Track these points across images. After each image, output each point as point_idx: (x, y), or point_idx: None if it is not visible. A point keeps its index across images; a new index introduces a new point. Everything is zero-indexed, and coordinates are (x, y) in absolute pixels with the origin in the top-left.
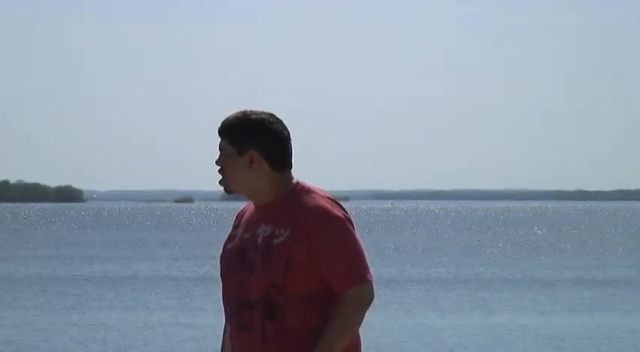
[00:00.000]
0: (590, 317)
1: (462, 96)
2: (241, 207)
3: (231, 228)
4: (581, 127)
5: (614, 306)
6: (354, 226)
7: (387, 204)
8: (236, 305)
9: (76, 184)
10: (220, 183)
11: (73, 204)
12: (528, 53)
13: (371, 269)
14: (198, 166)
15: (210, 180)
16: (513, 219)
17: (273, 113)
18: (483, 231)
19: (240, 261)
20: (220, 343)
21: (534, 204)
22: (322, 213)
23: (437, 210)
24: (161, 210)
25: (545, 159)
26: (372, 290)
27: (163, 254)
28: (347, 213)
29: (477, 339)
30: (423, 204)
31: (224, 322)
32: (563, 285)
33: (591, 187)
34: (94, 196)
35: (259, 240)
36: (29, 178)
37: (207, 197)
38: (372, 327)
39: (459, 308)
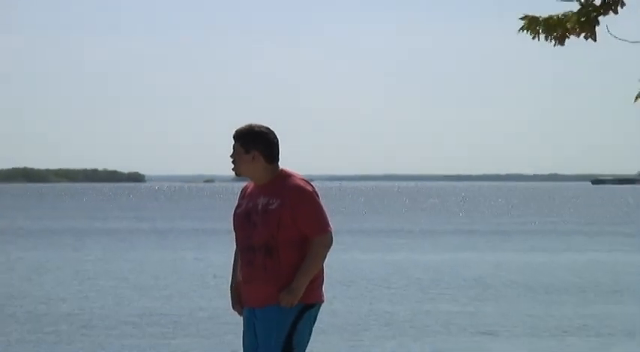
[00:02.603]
0: (461, 254)
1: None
2: (245, 185)
3: (238, 199)
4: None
5: (478, 247)
6: (319, 196)
7: (337, 183)
8: (245, 248)
9: (140, 170)
10: (233, 169)
11: (139, 184)
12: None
13: (331, 224)
14: (218, 157)
15: (226, 167)
16: (415, 194)
17: (269, 126)
18: (395, 200)
19: (247, 221)
20: (230, 274)
21: (435, 184)
22: (299, 189)
23: (372, 188)
24: (194, 188)
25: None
26: (332, 237)
27: (194, 215)
28: (314, 188)
29: (384, 269)
30: (364, 184)
31: (233, 260)
32: (443, 234)
33: (465, 172)
34: (151, 179)
35: (259, 207)
36: (110, 166)
37: (223, 179)
38: None
39: (374, 249)
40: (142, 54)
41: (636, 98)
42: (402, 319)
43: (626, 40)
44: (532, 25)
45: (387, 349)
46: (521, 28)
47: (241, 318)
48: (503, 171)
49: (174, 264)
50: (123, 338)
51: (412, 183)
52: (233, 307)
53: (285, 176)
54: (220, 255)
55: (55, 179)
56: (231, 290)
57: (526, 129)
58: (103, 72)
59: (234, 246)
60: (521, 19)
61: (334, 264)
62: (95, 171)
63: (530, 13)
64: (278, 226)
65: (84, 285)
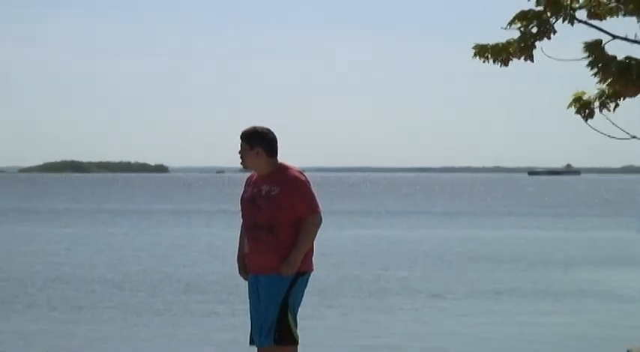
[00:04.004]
0: (418, 231)
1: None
2: (249, 175)
3: (244, 187)
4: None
5: (432, 225)
6: (311, 184)
7: (320, 174)
8: (251, 226)
9: (164, 163)
10: (240, 163)
11: (163, 174)
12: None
13: (320, 206)
14: (227, 152)
15: (234, 160)
16: (382, 184)
17: (269, 127)
18: (365, 188)
19: (252, 204)
20: (237, 247)
21: (400, 175)
22: (295, 179)
23: (348, 178)
24: (208, 177)
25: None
26: (321, 218)
27: (207, 199)
28: (307, 177)
29: (356, 243)
30: (346, 175)
31: (239, 235)
32: (404, 215)
33: (425, 165)
34: (174, 170)
35: (263, 193)
36: (140, 159)
37: (232, 170)
38: None
39: (349, 227)
40: (166, 67)
41: (568, 106)
42: (369, 283)
43: (561, 59)
44: (482, 52)
45: (356, 307)
46: (474, 55)
47: (243, 282)
48: (456, 164)
49: (189, 238)
50: (145, 297)
51: (383, 174)
52: (239, 273)
53: (284, 168)
54: (227, 230)
55: (96, 170)
56: (238, 259)
57: (474, 129)
58: (133, 80)
59: (240, 224)
60: (473, 48)
61: (316, 238)
62: (128, 163)
63: (481, 42)
64: (279, 209)
65: (115, 254)
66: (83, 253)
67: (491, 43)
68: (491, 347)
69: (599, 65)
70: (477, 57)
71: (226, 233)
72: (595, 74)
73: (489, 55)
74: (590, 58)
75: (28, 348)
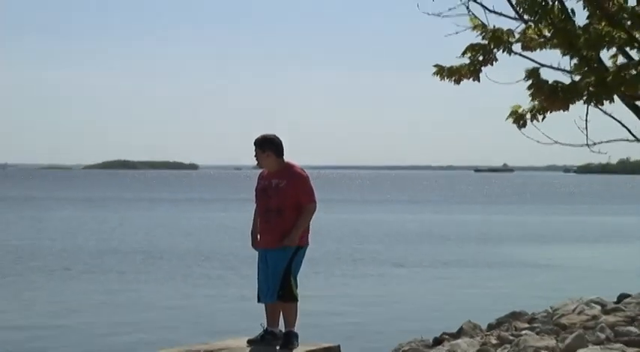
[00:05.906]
0: (386, 215)
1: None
2: (261, 171)
3: (257, 180)
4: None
5: (397, 210)
6: (310, 179)
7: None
8: (264, 211)
9: (195, 161)
10: (256, 163)
11: (194, 171)
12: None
13: (316, 195)
14: (245, 153)
15: (250, 159)
16: (356, 179)
17: (275, 134)
18: (342, 183)
19: (264, 194)
20: (251, 227)
21: (370, 172)
22: (299, 175)
23: (335, 175)
24: (230, 173)
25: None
26: (316, 205)
27: (228, 190)
28: (307, 174)
29: (336, 224)
30: (335, 172)
31: (253, 218)
32: (374, 203)
33: (393, 163)
34: (203, 167)
35: (273, 185)
36: (177, 158)
37: (248, 167)
38: None
39: (330, 211)
40: (201, 86)
41: (507, 117)
42: (345, 255)
43: (497, 82)
44: (440, 72)
45: (336, 273)
46: (433, 73)
47: (250, 254)
48: (418, 163)
49: (211, 220)
50: (174, 266)
51: (361, 171)
52: (252, 245)
53: (290, 166)
54: (241, 214)
55: (142, 167)
56: (251, 234)
57: (433, 136)
58: (170, 96)
59: (253, 208)
60: (434, 66)
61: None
62: (168, 161)
63: (440, 63)
64: (285, 197)
65: (152, 232)
66: (127, 231)
67: (447, 66)
68: (441, 305)
69: (535, 87)
70: (437, 75)
71: (240, 216)
72: (531, 94)
73: (445, 75)
74: (529, 81)
75: (82, 304)
